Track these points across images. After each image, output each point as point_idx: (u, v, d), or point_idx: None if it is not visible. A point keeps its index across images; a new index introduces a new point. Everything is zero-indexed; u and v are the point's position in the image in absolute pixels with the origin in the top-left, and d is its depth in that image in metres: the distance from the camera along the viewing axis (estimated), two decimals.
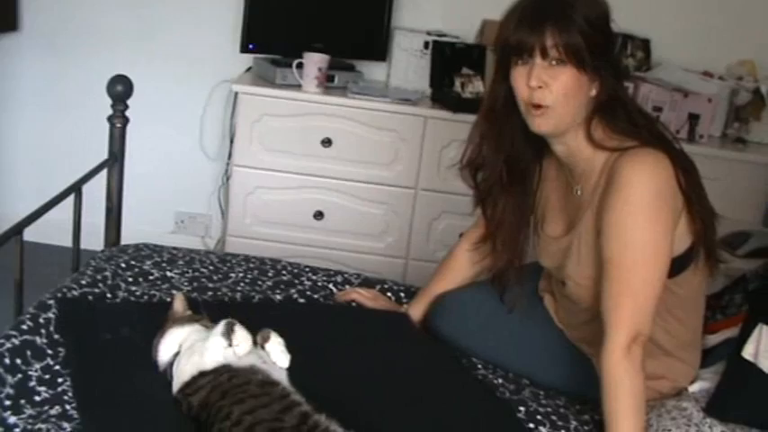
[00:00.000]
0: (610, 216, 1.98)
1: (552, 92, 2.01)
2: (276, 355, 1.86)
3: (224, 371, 1.79)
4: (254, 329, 1.90)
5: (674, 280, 2.06)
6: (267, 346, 1.87)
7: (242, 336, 1.84)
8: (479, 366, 2.35)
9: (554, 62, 2.00)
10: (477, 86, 3.90)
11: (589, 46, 1.98)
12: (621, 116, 2.06)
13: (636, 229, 1.95)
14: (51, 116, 4.43)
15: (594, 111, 2.06)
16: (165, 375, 1.91)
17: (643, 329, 1.95)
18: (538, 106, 2.03)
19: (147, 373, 1.93)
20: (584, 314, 2.19)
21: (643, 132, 2.03)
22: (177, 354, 1.91)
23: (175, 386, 1.85)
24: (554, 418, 2.11)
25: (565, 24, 1.98)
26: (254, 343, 1.86)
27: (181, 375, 1.84)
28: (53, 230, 3.51)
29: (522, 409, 2.13)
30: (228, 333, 1.83)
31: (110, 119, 2.89)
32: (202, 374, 1.80)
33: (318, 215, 3.90)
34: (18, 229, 2.28)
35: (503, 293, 2.35)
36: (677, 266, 2.05)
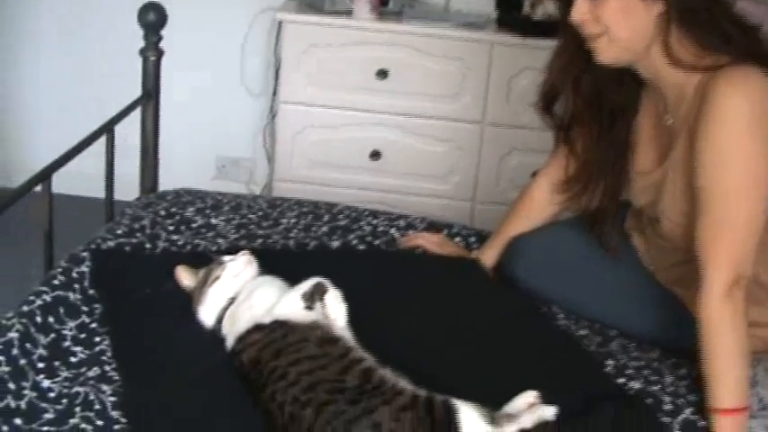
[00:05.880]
0: (702, 142, 1.94)
1: (599, 21, 2.00)
2: (334, 310, 1.85)
3: (278, 326, 1.79)
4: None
5: None
6: (325, 299, 1.86)
7: (337, 308, 1.85)
8: (561, 316, 2.32)
9: None
10: (548, 8, 3.81)
11: None
12: (708, 29, 2.00)
13: (732, 155, 1.92)
14: (76, 51, 4.43)
15: (669, 28, 2.01)
16: (214, 332, 1.92)
17: (744, 270, 1.92)
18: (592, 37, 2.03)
19: (193, 330, 1.94)
20: (679, 254, 2.15)
21: (738, 47, 1.98)
22: (227, 307, 1.92)
23: (230, 341, 1.85)
24: (647, 372, 2.06)
25: None
26: (313, 295, 1.86)
27: (236, 328, 1.85)
28: (83, 181, 3.53)
29: (610, 362, 2.09)
30: (312, 297, 1.84)
31: (142, 51, 2.87)
32: (258, 328, 1.80)
33: (375, 155, 3.89)
34: (46, 174, 2.28)
35: (600, 235, 2.33)
36: None
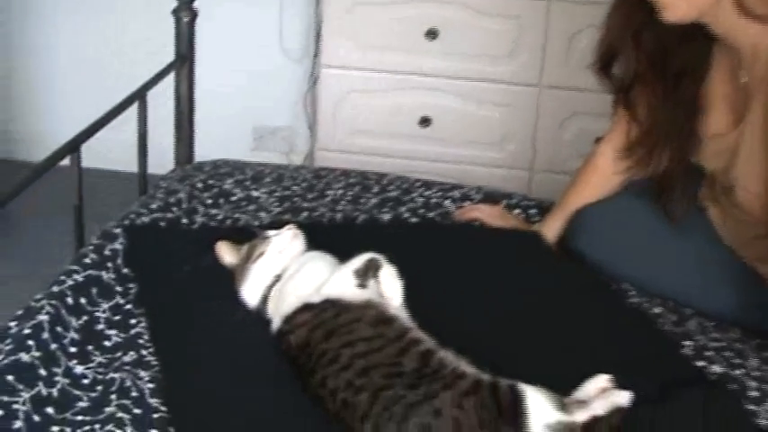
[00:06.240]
0: None
1: None
2: (389, 288, 1.83)
3: (329, 305, 1.77)
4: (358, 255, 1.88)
5: None
6: (380, 276, 1.84)
7: (392, 286, 1.83)
8: (632, 293, 2.29)
9: None
10: None
11: None
12: None
13: None
14: (104, 12, 4.44)
15: None
16: (258, 312, 1.91)
17: None
18: None
19: (236, 310, 1.93)
20: (759, 227, 2.11)
21: None
22: (273, 285, 1.91)
23: (277, 322, 1.84)
24: (728, 354, 2.02)
25: None
26: (366, 272, 1.84)
27: (282, 308, 1.84)
28: (113, 154, 3.53)
29: (687, 343, 2.05)
30: (365, 274, 1.82)
31: (175, 12, 2.87)
32: (306, 307, 1.79)
33: (424, 122, 3.88)
34: (74, 145, 2.28)
35: (667, 204, 2.30)
36: None
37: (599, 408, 1.57)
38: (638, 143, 2.33)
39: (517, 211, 2.66)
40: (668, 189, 2.30)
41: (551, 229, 2.47)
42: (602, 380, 1.64)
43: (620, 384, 1.63)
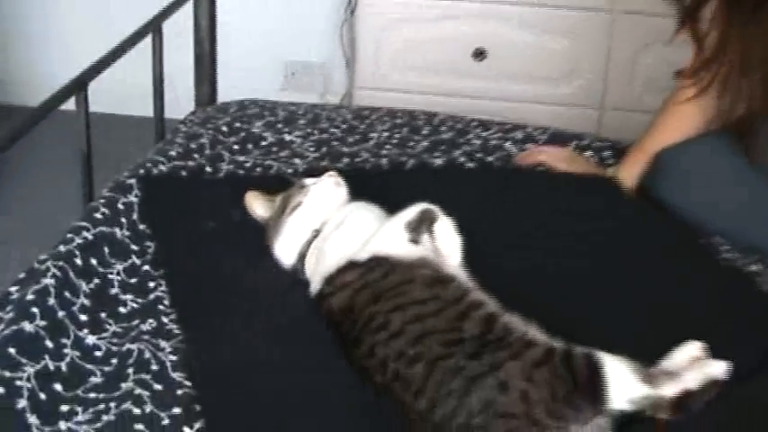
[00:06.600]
0: None
1: None
2: (446, 243, 1.82)
3: (377, 263, 1.75)
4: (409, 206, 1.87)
5: None
6: (435, 229, 1.83)
7: (450, 241, 1.81)
8: (725, 247, 2.25)
9: None
10: None
11: None
12: None
13: None
14: None
15: None
16: (295, 271, 1.91)
17: None
18: None
19: (269, 270, 1.92)
20: None
21: None
22: (312, 241, 1.90)
23: (316, 283, 1.83)
24: None
25: None
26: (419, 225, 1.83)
27: (323, 267, 1.83)
28: (124, 96, 3.52)
29: None
30: (419, 228, 1.81)
31: None
32: (351, 266, 1.77)
33: (479, 54, 3.86)
34: (81, 82, 2.27)
35: (749, 144, 2.26)
36: None
37: (691, 380, 1.55)
38: (702, 68, 2.31)
39: (588, 153, 2.64)
40: (749, 134, 2.26)
41: (629, 174, 2.45)
42: (693, 348, 1.62)
43: (715, 353, 1.61)
